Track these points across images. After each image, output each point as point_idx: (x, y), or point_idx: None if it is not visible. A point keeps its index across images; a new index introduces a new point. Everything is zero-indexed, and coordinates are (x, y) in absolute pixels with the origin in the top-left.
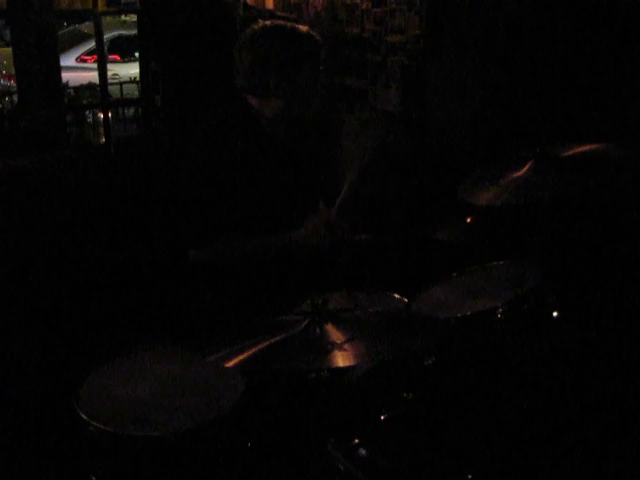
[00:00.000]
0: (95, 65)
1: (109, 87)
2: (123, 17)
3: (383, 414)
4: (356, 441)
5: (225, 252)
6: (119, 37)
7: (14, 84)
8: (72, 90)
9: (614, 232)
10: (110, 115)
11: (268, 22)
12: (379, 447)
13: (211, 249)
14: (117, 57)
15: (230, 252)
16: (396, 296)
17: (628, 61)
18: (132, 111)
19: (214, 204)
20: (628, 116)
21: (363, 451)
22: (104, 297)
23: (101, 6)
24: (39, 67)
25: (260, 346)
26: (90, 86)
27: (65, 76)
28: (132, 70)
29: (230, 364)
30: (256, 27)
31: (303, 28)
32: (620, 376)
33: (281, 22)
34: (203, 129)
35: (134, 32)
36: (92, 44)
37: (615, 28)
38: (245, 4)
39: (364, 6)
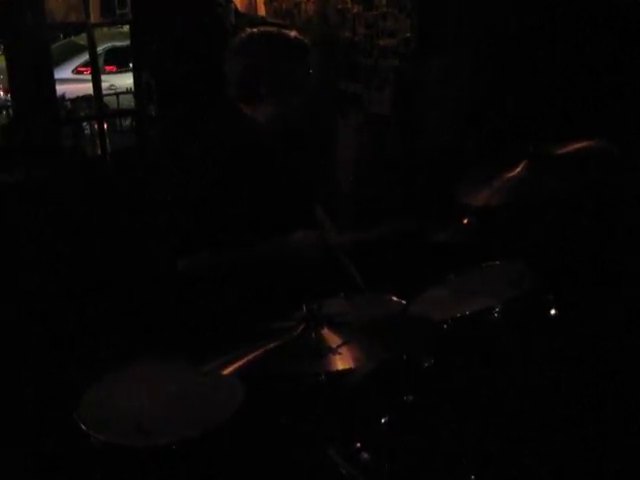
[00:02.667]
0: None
1: (106, 98)
2: (119, 28)
3: (384, 417)
4: (357, 445)
5: (213, 263)
6: (114, 48)
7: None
8: (69, 102)
9: (612, 230)
10: (107, 126)
11: (255, 29)
12: (380, 450)
13: (199, 259)
14: (113, 68)
15: (218, 263)
16: (394, 298)
17: (628, 61)
18: (129, 121)
19: (211, 214)
20: (628, 116)
21: (365, 455)
22: (100, 308)
23: (95, 17)
24: (33, 81)
25: (256, 353)
26: (87, 98)
27: (61, 88)
28: (129, 80)
29: (227, 372)
30: (243, 35)
31: (291, 33)
32: (620, 374)
33: (268, 28)
34: (197, 141)
35: (128, 43)
36: (88, 56)
37: (615, 28)
38: (237, 12)
39: (355, 10)
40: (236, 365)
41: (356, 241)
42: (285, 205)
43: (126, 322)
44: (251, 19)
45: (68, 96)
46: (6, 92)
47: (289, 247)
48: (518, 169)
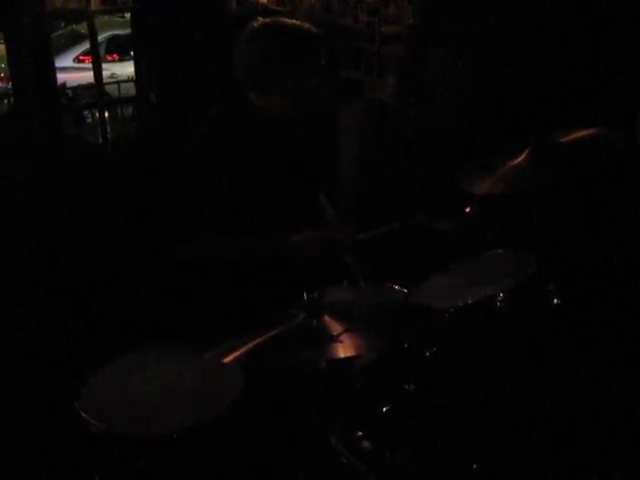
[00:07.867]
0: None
1: (107, 86)
2: (120, 16)
3: (385, 406)
4: (359, 434)
5: (212, 250)
6: (115, 36)
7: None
8: (69, 91)
9: (615, 219)
10: (108, 114)
11: (268, 19)
12: (382, 439)
13: (197, 245)
14: (115, 56)
15: (216, 250)
16: (396, 287)
17: (633, 50)
18: (130, 110)
19: (211, 199)
20: (632, 104)
21: (366, 444)
22: (102, 298)
23: (95, 5)
24: (34, 70)
25: (257, 341)
26: (88, 86)
27: (62, 77)
28: (130, 69)
29: (228, 360)
30: (255, 25)
31: (304, 25)
32: (622, 365)
33: (281, 19)
34: (200, 130)
35: (129, 31)
36: (89, 44)
37: (611, 19)
38: None
39: None
40: (237, 353)
41: (363, 241)
42: (290, 193)
43: (127, 312)
44: (253, 6)
45: (69, 85)
46: (6, 81)
47: (291, 247)
48: (521, 157)
